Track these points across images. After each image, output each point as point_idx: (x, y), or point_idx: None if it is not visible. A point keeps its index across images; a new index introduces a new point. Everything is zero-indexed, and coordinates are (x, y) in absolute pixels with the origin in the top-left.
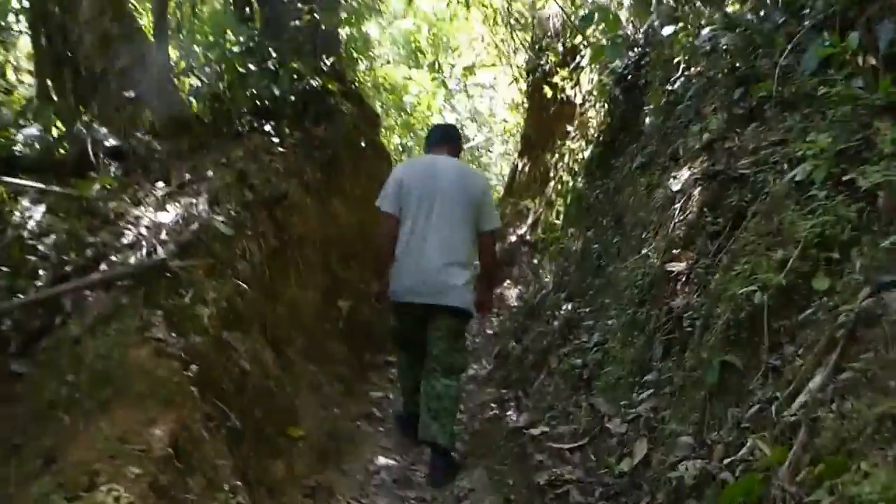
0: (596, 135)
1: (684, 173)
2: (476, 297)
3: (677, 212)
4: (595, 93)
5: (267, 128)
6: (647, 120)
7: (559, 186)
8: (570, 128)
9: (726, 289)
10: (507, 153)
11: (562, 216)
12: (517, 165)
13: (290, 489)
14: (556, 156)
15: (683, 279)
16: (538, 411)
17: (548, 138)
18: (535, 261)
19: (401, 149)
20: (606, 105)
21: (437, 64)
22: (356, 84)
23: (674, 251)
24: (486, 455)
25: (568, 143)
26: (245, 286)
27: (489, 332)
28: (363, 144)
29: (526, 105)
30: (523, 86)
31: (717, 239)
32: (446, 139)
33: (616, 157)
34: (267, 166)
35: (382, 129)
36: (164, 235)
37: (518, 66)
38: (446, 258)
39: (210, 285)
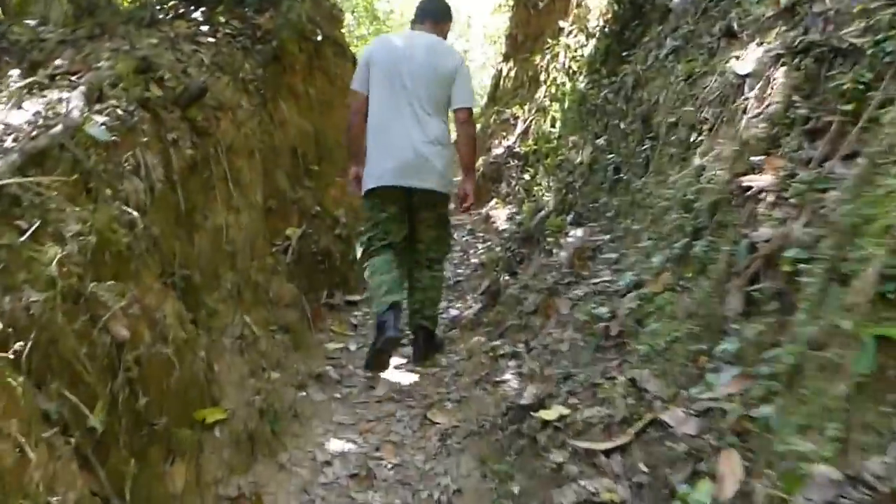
0: (599, 26)
1: (753, 51)
2: (458, 189)
3: (751, 103)
4: None
5: (197, 15)
6: None
7: (553, 90)
8: (563, 23)
9: (873, 215)
10: (488, 64)
11: (559, 123)
12: (501, 70)
13: None
14: (548, 56)
15: (772, 198)
16: (549, 381)
17: (537, 38)
18: (528, 176)
19: None
20: None
21: None
22: None
23: (750, 158)
24: (478, 439)
25: (562, 39)
26: (134, 213)
27: (474, 260)
28: (319, 39)
29: (511, 2)
30: None
31: (820, 138)
32: (427, 14)
33: (629, 49)
34: (189, 58)
35: (349, 34)
36: (9, 142)
37: None
38: (423, 136)
39: (73, 213)
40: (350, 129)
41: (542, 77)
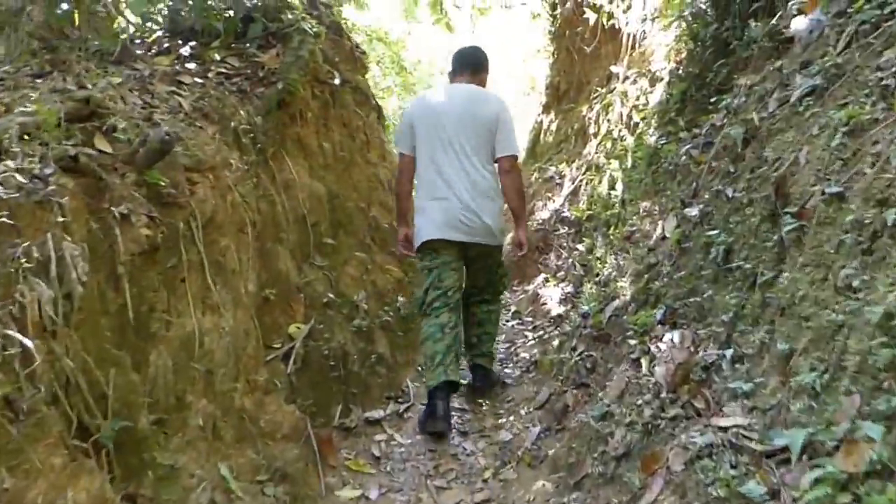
0: (670, 68)
1: None
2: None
3: None
4: (663, 10)
5: (185, 50)
6: (800, 22)
7: (608, 145)
8: (616, 68)
9: None
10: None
11: (619, 184)
12: (541, 123)
13: None
14: (598, 107)
15: None
16: None
17: (581, 86)
18: (583, 247)
19: (400, 113)
20: (687, 23)
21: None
22: (330, 6)
23: None
24: None
25: (618, 86)
26: (27, 341)
27: (523, 354)
28: (337, 83)
29: (551, 48)
30: (547, 24)
31: None
32: (466, 65)
33: (716, 95)
34: (162, 102)
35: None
36: None
37: None
38: (472, 191)
39: None
40: (397, 191)
41: (592, 130)
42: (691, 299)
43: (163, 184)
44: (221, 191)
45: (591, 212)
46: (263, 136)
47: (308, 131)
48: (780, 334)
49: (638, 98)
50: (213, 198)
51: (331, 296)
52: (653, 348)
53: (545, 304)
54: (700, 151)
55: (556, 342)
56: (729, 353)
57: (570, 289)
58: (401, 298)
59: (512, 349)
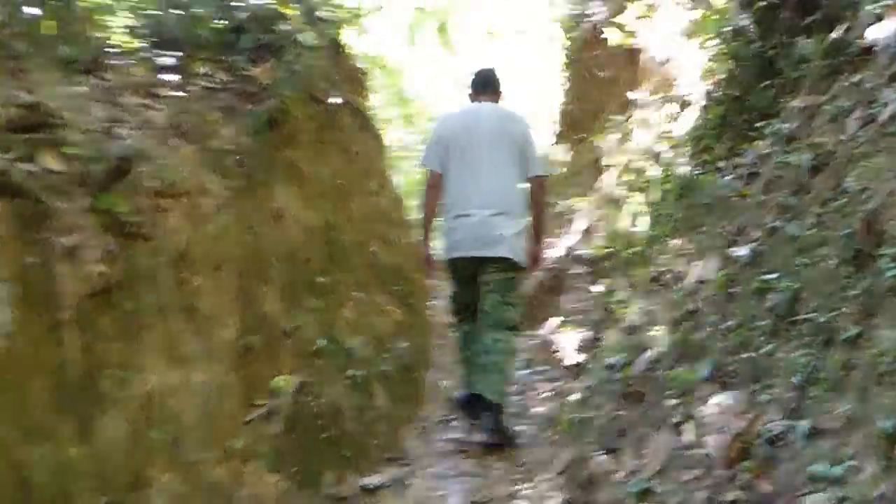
0: (707, 90)
1: None
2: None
3: None
4: (696, 29)
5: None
6: (883, 30)
7: (630, 177)
8: (635, 94)
9: None
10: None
11: (644, 220)
12: (552, 154)
13: None
14: (615, 135)
15: None
16: None
17: (597, 114)
18: (599, 288)
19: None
20: (725, 41)
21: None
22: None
23: None
24: None
25: (637, 113)
26: None
27: (538, 409)
28: (336, 103)
29: (565, 74)
30: (559, 50)
31: None
32: (488, 85)
33: (760, 119)
34: (131, 115)
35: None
36: None
37: (555, 21)
38: (494, 208)
39: None
40: (426, 210)
41: (607, 161)
42: (743, 355)
43: (123, 210)
44: (197, 220)
45: (609, 249)
46: (251, 158)
47: (302, 155)
48: (879, 407)
49: (663, 125)
50: (185, 228)
51: (323, 342)
52: (698, 412)
53: (559, 351)
54: (744, 183)
55: (575, 396)
56: (803, 425)
57: (587, 335)
58: (402, 344)
59: (523, 401)
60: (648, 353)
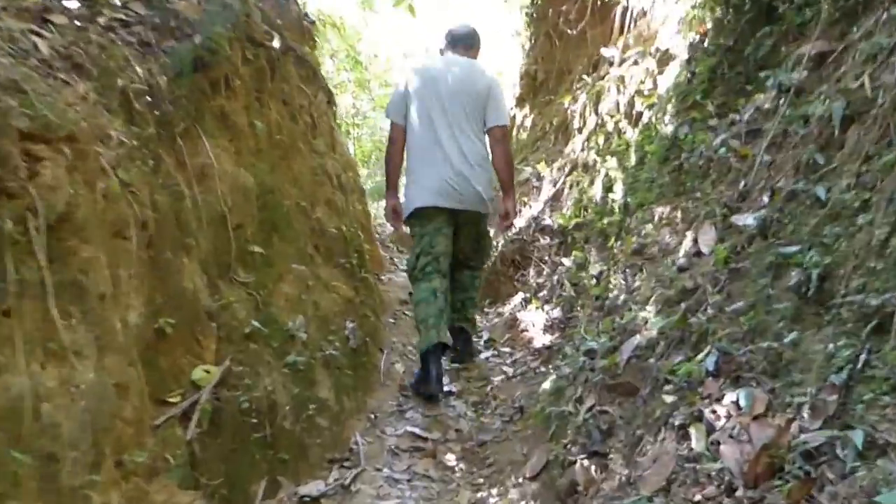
0: (693, 42)
1: None
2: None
3: None
4: None
5: None
6: None
7: (600, 140)
8: (609, 50)
9: None
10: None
11: (621, 187)
12: (514, 117)
13: None
14: (584, 96)
15: None
16: None
17: (563, 75)
18: (570, 261)
19: (353, 113)
20: None
21: None
22: None
23: None
24: None
25: (612, 71)
26: None
27: (502, 396)
28: (278, 46)
29: (527, 33)
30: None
31: None
32: (459, 41)
33: (759, 70)
34: (7, 41)
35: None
36: None
37: None
38: (464, 159)
39: None
40: (389, 161)
41: (577, 124)
42: (760, 344)
43: None
44: (88, 174)
45: (579, 219)
46: (170, 104)
47: (235, 105)
48: None
49: (642, 83)
50: (71, 183)
51: (256, 324)
52: (707, 413)
53: (526, 331)
54: (742, 142)
55: (547, 384)
56: (856, 436)
57: (557, 313)
58: (350, 324)
59: (487, 388)
60: (637, 339)
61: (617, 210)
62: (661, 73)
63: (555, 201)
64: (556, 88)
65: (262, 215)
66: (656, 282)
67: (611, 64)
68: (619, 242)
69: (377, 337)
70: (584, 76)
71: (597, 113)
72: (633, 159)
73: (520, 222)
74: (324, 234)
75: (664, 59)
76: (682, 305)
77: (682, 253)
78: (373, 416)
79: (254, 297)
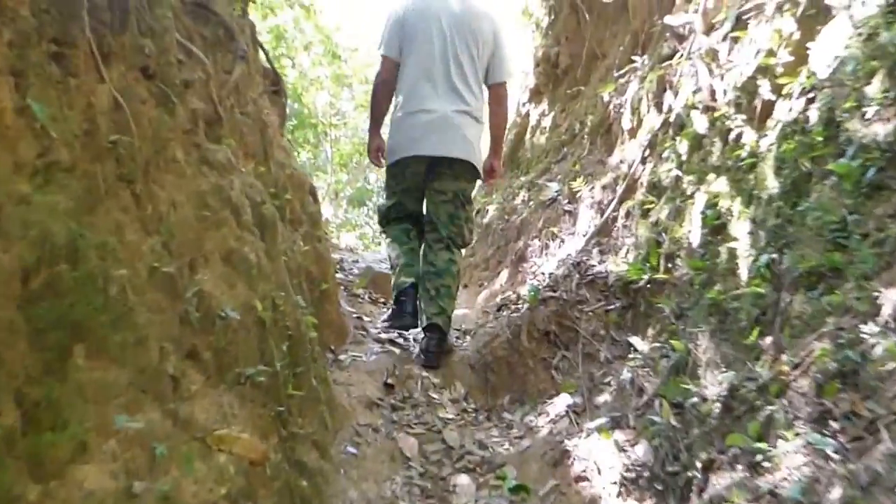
0: None
1: None
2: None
3: None
4: None
5: None
6: None
7: (682, 148)
8: (679, 18)
9: None
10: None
11: (750, 228)
12: (527, 115)
13: None
14: (638, 84)
15: None
16: None
17: (594, 59)
18: (650, 347)
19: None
20: None
21: None
22: None
23: None
24: None
25: (693, 45)
26: None
27: None
28: None
29: (545, 7)
30: None
31: None
32: None
33: None
34: None
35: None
36: None
37: None
38: (457, 105)
39: None
40: (374, 98)
41: (627, 124)
42: None
43: None
44: None
45: (659, 273)
46: None
47: None
48: None
49: (772, 54)
50: None
51: None
52: None
53: (585, 479)
54: None
55: None
56: None
57: (643, 452)
58: None
59: None
60: None
61: (754, 273)
62: (807, 35)
63: (604, 237)
64: (585, 77)
65: (49, 306)
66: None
67: (682, 37)
68: (764, 335)
69: None
70: (633, 58)
71: (660, 108)
72: (771, 182)
73: (548, 266)
74: (211, 324)
75: (813, 13)
76: None
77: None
78: None
79: None
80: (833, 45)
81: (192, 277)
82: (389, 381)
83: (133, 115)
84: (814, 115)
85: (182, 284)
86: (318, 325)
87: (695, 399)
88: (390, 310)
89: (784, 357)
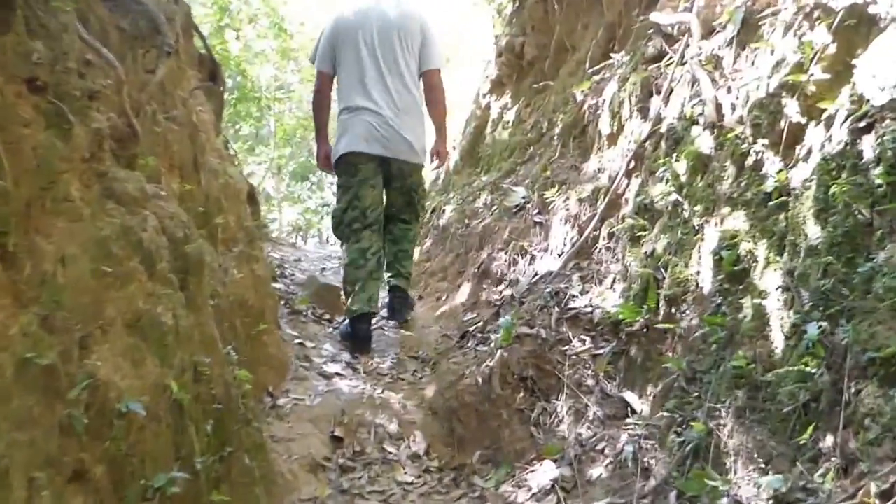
0: None
1: None
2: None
3: None
4: None
5: None
6: None
7: (681, 169)
8: (668, 17)
9: None
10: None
11: (784, 282)
12: (488, 107)
13: None
14: (617, 85)
15: None
16: None
17: (563, 52)
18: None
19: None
20: None
21: None
22: None
23: None
24: None
25: (687, 48)
26: None
27: None
28: None
29: None
30: None
31: None
32: None
33: None
34: None
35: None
36: None
37: None
38: (396, 106)
39: None
40: (314, 109)
41: (606, 128)
42: None
43: None
44: None
45: (658, 318)
46: None
47: None
48: None
49: (803, 68)
50: None
51: None
52: None
53: None
54: None
55: None
56: None
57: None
58: None
59: None
60: None
61: (798, 345)
62: (845, 50)
63: (583, 260)
64: (553, 71)
65: None
66: None
67: (672, 38)
68: (820, 431)
69: None
70: (611, 54)
71: (645, 115)
72: (812, 228)
73: (521, 287)
74: (107, 426)
75: (853, 24)
76: None
77: None
78: None
79: None
80: (888, 65)
81: (81, 363)
82: (337, 432)
83: (10, 144)
84: (868, 149)
85: (66, 378)
86: (255, 363)
87: (724, 502)
88: (348, 327)
89: (858, 469)
